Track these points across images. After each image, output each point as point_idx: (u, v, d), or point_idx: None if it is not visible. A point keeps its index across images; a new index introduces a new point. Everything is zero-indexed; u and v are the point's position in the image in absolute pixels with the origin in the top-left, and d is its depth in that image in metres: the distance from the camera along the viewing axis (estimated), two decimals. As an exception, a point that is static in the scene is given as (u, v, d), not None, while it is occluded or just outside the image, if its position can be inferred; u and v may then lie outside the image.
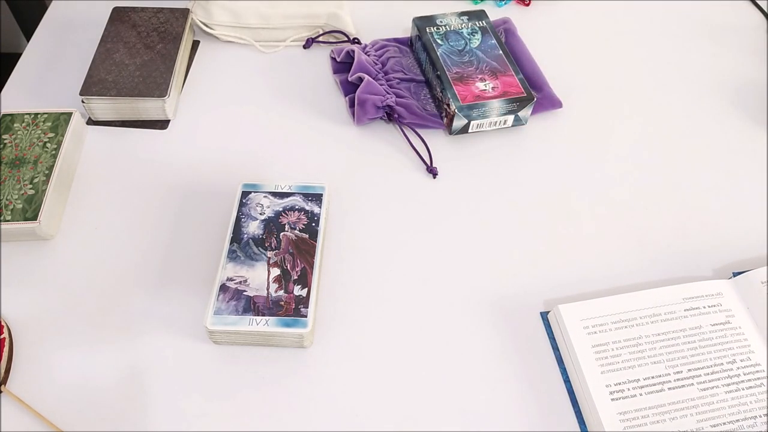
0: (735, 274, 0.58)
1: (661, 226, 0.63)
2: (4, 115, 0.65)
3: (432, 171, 0.66)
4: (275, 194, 0.60)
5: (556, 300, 0.58)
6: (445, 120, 0.69)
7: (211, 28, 0.77)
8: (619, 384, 0.51)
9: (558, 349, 0.55)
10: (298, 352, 0.54)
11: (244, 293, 0.54)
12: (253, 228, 0.58)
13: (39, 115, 0.65)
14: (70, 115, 0.65)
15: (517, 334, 0.56)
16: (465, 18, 0.76)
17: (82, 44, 0.77)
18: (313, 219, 0.58)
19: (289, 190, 0.60)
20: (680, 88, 0.76)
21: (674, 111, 0.74)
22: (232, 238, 0.57)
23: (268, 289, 0.54)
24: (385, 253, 0.61)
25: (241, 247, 0.56)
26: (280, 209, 0.59)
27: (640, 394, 0.50)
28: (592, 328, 0.54)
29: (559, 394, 0.53)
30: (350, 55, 0.74)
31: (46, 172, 0.61)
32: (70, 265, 0.59)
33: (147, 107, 0.68)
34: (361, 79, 0.71)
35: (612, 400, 0.50)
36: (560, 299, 0.58)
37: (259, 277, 0.55)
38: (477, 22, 0.75)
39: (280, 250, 0.56)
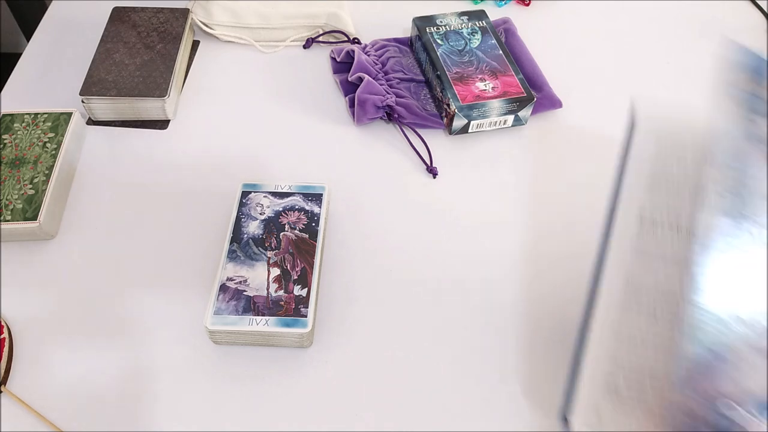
0: None
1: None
2: (4, 115, 0.65)
3: (432, 171, 0.66)
4: (275, 194, 0.60)
5: (557, 298, 0.58)
6: (445, 120, 0.69)
7: (211, 28, 0.77)
8: None
9: None
10: (298, 352, 0.54)
11: (244, 293, 0.54)
12: (253, 228, 0.58)
13: (39, 115, 0.65)
14: (70, 115, 0.65)
15: (518, 333, 0.56)
16: (465, 18, 0.76)
17: (82, 44, 0.77)
18: (313, 219, 0.58)
19: (289, 190, 0.60)
20: (680, 88, 0.76)
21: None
22: (232, 238, 0.57)
23: (268, 289, 0.54)
24: (385, 252, 0.61)
25: (241, 247, 0.56)
26: (280, 209, 0.59)
27: None
28: None
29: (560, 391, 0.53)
30: (350, 55, 0.74)
31: (46, 172, 0.61)
32: (70, 265, 0.59)
33: (147, 107, 0.68)
34: (361, 79, 0.71)
35: None
36: (561, 298, 0.58)
37: (259, 277, 0.55)
38: (477, 22, 0.75)
39: (280, 250, 0.56)
